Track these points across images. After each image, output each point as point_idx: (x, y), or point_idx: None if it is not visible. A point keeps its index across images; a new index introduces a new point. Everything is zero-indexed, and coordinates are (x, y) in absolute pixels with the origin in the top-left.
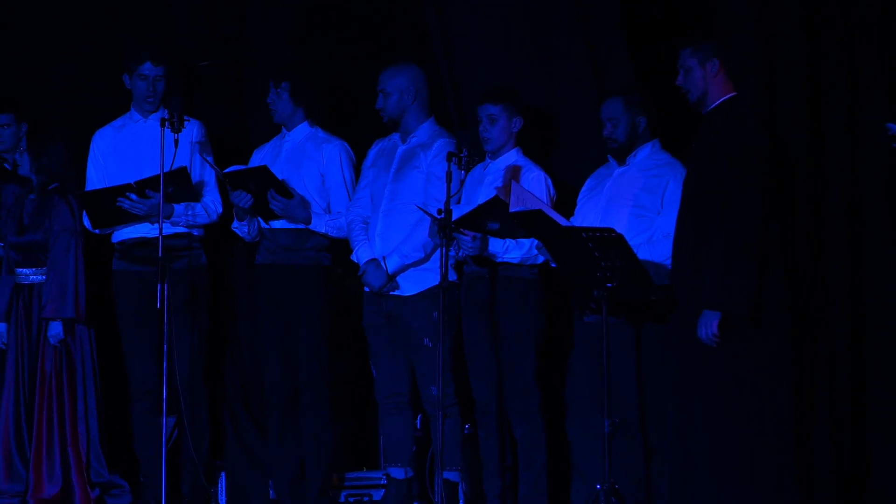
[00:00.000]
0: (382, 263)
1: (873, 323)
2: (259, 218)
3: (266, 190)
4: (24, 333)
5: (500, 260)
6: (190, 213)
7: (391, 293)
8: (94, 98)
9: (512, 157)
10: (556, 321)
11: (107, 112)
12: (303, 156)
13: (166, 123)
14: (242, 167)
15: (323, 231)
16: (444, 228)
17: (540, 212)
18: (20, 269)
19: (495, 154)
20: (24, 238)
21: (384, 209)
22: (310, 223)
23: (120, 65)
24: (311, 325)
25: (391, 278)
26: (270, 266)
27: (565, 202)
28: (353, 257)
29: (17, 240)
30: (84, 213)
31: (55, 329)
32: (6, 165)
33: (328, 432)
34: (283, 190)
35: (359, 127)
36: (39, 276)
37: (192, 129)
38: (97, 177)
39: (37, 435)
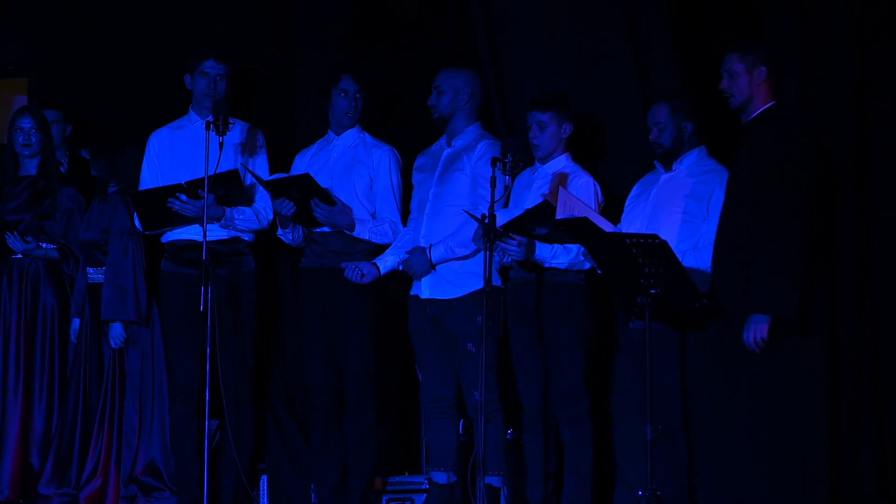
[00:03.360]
0: (427, 252)
1: None
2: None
3: (308, 198)
4: (89, 331)
5: (547, 265)
6: (240, 217)
7: (431, 295)
8: (146, 102)
9: (561, 162)
10: (603, 326)
11: (162, 114)
12: (353, 161)
13: (211, 126)
14: (284, 175)
15: (367, 237)
16: (489, 233)
17: (585, 219)
18: (89, 269)
19: (544, 159)
20: (85, 237)
21: (429, 212)
22: (353, 230)
23: (168, 69)
24: (359, 329)
25: (433, 267)
26: (318, 270)
27: (613, 208)
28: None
29: (81, 239)
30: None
31: (116, 330)
32: (62, 169)
33: (373, 436)
34: (327, 198)
35: (403, 134)
36: (100, 276)
37: (237, 132)
38: (151, 177)
39: (96, 434)
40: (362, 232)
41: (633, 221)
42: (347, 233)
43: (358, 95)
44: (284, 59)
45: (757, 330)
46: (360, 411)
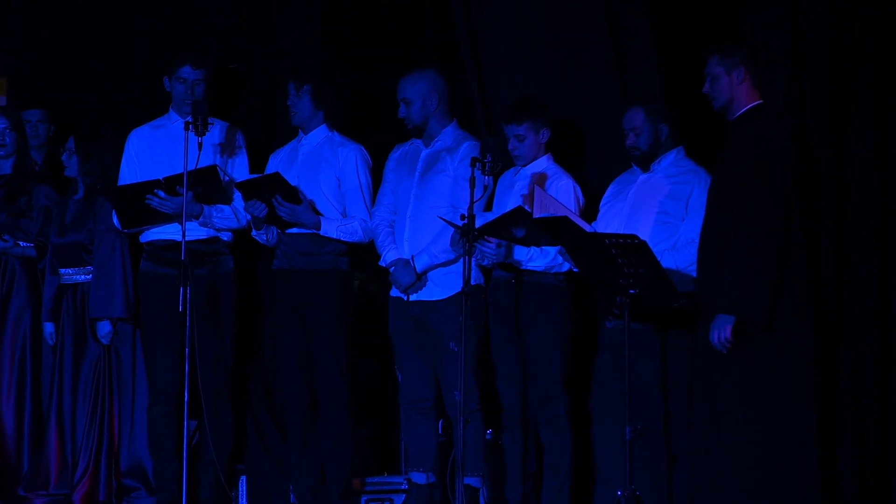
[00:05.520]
0: (411, 262)
1: None
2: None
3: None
4: (70, 333)
5: (524, 267)
6: (219, 215)
7: (417, 296)
8: (128, 100)
9: (542, 164)
10: (583, 327)
11: (142, 114)
12: (319, 160)
13: (191, 127)
14: (256, 176)
15: (334, 236)
16: (468, 234)
17: (565, 217)
18: (63, 270)
19: (526, 164)
20: (66, 239)
21: (411, 213)
22: (319, 228)
23: (150, 68)
24: (330, 330)
25: (419, 277)
26: (288, 271)
27: (594, 209)
28: (382, 262)
29: (58, 241)
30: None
31: (105, 328)
32: (36, 168)
33: (348, 437)
34: (294, 196)
35: (385, 133)
36: (82, 276)
37: (216, 132)
38: (129, 176)
39: (78, 431)
40: (329, 230)
41: (611, 221)
42: (316, 232)
43: (300, 96)
44: (264, 59)
45: (721, 330)
46: (334, 413)
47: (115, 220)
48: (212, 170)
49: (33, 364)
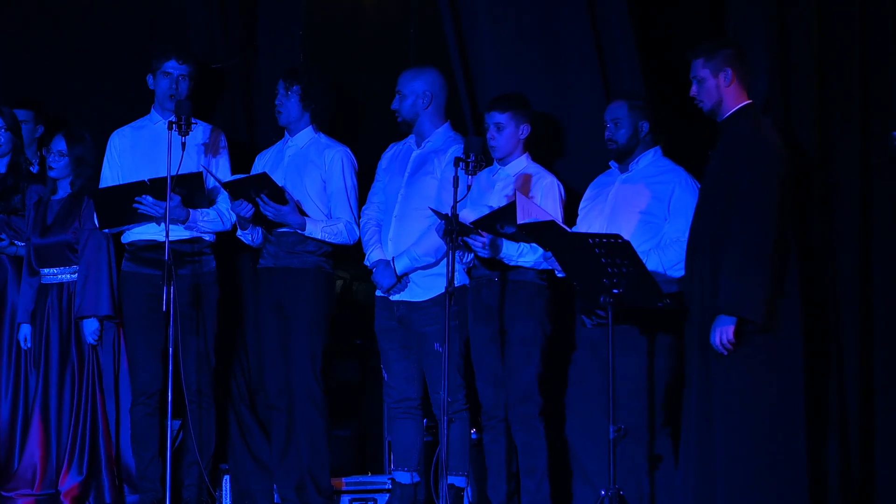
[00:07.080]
0: (392, 264)
1: (883, 328)
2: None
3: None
4: (55, 333)
5: (513, 263)
6: (204, 219)
7: (399, 297)
8: (107, 100)
9: (521, 163)
10: (561, 327)
11: (120, 115)
12: (306, 161)
13: (174, 126)
14: (242, 176)
15: (319, 237)
16: (451, 233)
17: (552, 222)
18: (46, 270)
19: (503, 160)
20: (51, 239)
21: (397, 213)
22: (304, 229)
23: (131, 69)
24: (306, 329)
25: (399, 279)
26: (272, 269)
27: (572, 208)
28: (366, 262)
29: (41, 241)
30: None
31: (92, 326)
32: (32, 168)
33: (321, 436)
34: (279, 196)
35: (369, 135)
36: (67, 276)
37: (198, 133)
38: (112, 176)
39: (64, 430)
40: (314, 231)
41: (592, 223)
42: (300, 232)
43: (289, 96)
44: (247, 60)
45: (723, 332)
46: (308, 412)
47: (95, 220)
48: (196, 176)
49: (27, 364)
